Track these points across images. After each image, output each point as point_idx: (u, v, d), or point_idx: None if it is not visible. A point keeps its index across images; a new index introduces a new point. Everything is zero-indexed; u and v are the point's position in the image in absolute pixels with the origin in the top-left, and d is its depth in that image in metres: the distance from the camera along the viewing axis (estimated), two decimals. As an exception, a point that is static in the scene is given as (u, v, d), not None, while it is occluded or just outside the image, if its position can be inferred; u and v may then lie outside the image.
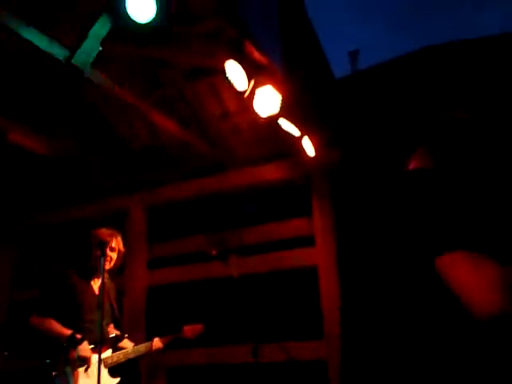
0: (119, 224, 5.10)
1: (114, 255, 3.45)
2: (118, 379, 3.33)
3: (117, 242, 3.46)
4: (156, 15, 3.03)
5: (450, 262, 1.18)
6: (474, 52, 6.34)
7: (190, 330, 3.65)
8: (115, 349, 3.38)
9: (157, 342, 3.55)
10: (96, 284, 3.42)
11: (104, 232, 3.43)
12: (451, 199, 1.24)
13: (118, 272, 3.71)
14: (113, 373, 3.30)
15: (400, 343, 1.26)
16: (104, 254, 3.23)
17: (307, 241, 4.58)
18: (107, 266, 3.38)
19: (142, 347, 3.47)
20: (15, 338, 4.64)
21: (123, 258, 3.54)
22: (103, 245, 3.26)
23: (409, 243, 1.26)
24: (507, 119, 1.46)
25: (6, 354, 4.11)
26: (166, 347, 3.59)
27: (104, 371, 3.23)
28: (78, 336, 3.10)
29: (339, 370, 3.97)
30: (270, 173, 4.80)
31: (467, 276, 1.15)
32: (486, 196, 1.26)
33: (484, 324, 1.13)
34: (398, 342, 1.26)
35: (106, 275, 3.38)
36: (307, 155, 4.19)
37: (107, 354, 3.31)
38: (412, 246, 1.25)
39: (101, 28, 3.45)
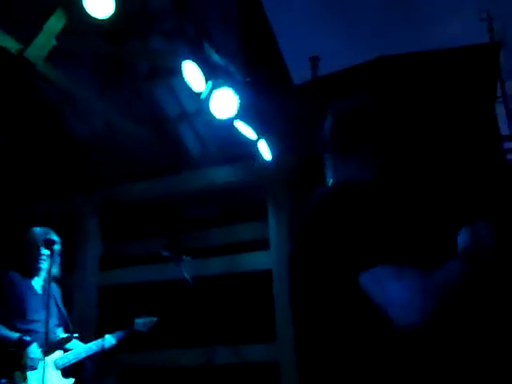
0: (71, 224, 5.00)
1: (54, 255, 3.36)
2: (71, 380, 3.26)
3: (55, 242, 3.37)
4: (114, 12, 3.00)
5: (371, 277, 1.21)
6: (423, 64, 6.54)
7: (142, 322, 3.61)
8: (66, 350, 3.31)
9: (109, 339, 3.48)
10: (38, 284, 3.33)
11: (43, 231, 3.35)
12: (370, 215, 1.28)
13: (67, 272, 3.63)
14: (66, 374, 3.23)
15: (341, 351, 1.28)
16: (46, 254, 3.18)
17: (262, 244, 4.60)
18: (47, 266, 3.30)
19: (93, 345, 3.40)
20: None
21: (63, 259, 3.46)
22: (43, 244, 3.20)
23: (335, 258, 1.29)
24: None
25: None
26: (120, 343, 3.53)
27: (57, 373, 3.16)
28: (27, 339, 3.00)
29: (294, 371, 4.00)
30: (226, 175, 4.80)
31: (389, 289, 1.18)
32: (402, 212, 1.31)
33: (407, 334, 1.17)
34: (339, 349, 1.28)
35: (48, 275, 3.30)
36: (264, 159, 4.22)
37: (58, 355, 3.23)
38: (337, 261, 1.28)
39: (56, 22, 3.39)
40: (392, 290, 1.18)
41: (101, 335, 3.52)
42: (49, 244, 3.25)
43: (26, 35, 3.41)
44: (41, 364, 3.02)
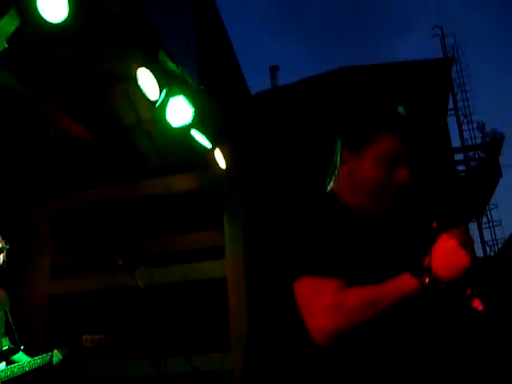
0: (22, 232, 4.86)
1: None
2: None
3: (1, 249, 3.28)
4: (68, 16, 2.95)
5: (298, 287, 1.23)
6: (379, 76, 6.72)
7: (89, 339, 3.53)
8: (10, 362, 3.21)
9: (55, 354, 3.39)
10: None
11: None
12: (302, 227, 1.30)
13: (17, 281, 3.52)
14: (9, 388, 3.12)
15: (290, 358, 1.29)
16: None
17: (217, 252, 4.59)
18: None
19: (39, 360, 3.31)
20: None
21: (11, 266, 3.36)
22: None
23: (273, 266, 1.31)
24: None
25: None
26: (67, 358, 3.45)
27: (-3, 386, 3.06)
28: None
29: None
30: (183, 183, 4.78)
31: (307, 300, 1.20)
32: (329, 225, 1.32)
33: (320, 347, 1.19)
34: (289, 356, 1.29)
35: None
36: (219, 167, 4.22)
37: (1, 367, 3.12)
38: (277, 270, 1.30)
39: (7, 24, 3.31)
40: (305, 304, 1.21)
41: (49, 347, 3.43)
42: None
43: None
44: None
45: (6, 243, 3.28)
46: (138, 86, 3.25)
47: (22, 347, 3.33)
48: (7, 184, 4.83)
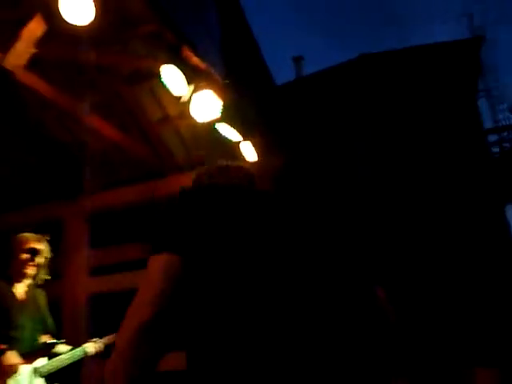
0: (56, 231, 4.97)
1: (41, 261, 3.34)
2: None
3: (43, 248, 3.35)
4: (94, 18, 3.00)
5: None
6: (406, 60, 6.61)
7: None
8: (50, 356, 3.28)
9: (94, 344, 3.45)
10: (19, 290, 3.31)
11: (29, 237, 3.32)
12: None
13: (54, 279, 3.60)
14: (51, 381, 3.20)
15: None
16: (31, 260, 3.16)
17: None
18: (33, 272, 3.28)
19: (78, 351, 3.37)
20: None
21: (51, 265, 3.43)
22: (29, 250, 3.18)
23: None
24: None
25: None
26: (107, 349, 3.50)
27: (40, 380, 3.14)
28: (2, 346, 2.94)
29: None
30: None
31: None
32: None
33: None
34: None
35: (33, 281, 3.28)
36: (247, 160, 4.23)
37: (41, 362, 3.20)
38: None
39: (35, 30, 3.38)
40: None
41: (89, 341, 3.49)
42: (35, 250, 3.24)
43: (4, 42, 3.40)
44: (23, 371, 3.00)
45: (44, 242, 3.35)
46: (164, 83, 3.28)
47: (62, 341, 3.39)
48: (41, 183, 4.95)
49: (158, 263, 1.15)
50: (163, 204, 1.28)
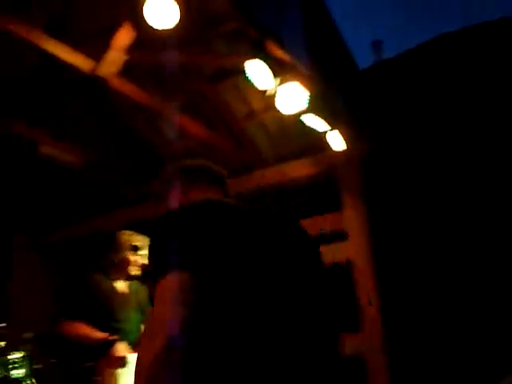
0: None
1: (144, 261, 3.46)
2: None
3: (144, 245, 3.46)
4: (179, 21, 3.06)
5: None
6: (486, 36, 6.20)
7: None
8: None
9: None
10: (122, 285, 3.44)
11: (134, 236, 3.45)
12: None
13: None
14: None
15: None
16: (132, 256, 3.30)
17: (338, 236, 4.53)
18: (136, 271, 3.41)
19: None
20: (58, 346, 4.71)
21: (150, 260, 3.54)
22: (131, 247, 3.32)
23: None
24: None
25: (52, 361, 4.16)
26: None
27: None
28: (113, 337, 3.07)
29: (381, 363, 3.93)
30: (298, 170, 4.78)
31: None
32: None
33: None
34: None
35: (133, 276, 3.41)
36: (333, 150, 4.18)
37: None
38: None
39: (124, 37, 3.50)
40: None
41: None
42: (136, 247, 3.38)
43: (96, 50, 3.55)
44: (129, 361, 3.11)
45: (145, 239, 3.47)
46: (249, 78, 3.29)
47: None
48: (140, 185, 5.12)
49: (173, 283, 1.10)
50: (157, 223, 1.24)
